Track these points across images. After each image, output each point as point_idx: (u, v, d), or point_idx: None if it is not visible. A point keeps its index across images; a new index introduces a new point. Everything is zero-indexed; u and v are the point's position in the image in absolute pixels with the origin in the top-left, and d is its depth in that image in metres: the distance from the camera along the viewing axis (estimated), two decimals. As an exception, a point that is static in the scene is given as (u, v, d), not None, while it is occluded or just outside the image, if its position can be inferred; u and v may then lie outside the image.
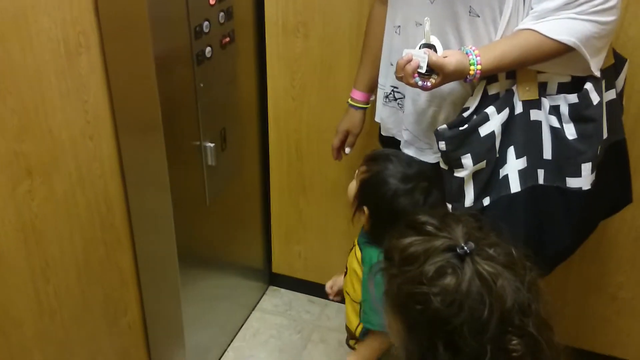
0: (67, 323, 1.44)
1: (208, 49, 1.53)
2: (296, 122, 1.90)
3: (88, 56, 1.35)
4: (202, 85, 1.54)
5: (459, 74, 1.16)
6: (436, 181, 1.27)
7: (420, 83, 1.17)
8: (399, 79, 1.20)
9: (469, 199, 1.25)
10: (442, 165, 1.26)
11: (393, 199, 1.24)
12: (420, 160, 1.34)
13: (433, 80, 1.16)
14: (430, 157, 1.36)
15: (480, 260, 0.78)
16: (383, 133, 1.49)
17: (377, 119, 1.51)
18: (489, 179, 1.24)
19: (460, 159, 1.21)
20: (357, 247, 1.36)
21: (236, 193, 1.92)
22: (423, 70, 1.15)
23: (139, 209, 1.59)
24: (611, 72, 1.28)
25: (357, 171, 1.33)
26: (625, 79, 1.34)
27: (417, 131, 1.36)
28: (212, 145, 1.63)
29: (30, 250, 1.29)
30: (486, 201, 1.26)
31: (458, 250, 0.79)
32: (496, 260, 0.79)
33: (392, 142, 1.46)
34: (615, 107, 1.30)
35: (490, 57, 1.16)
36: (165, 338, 1.79)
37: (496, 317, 0.76)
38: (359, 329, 1.38)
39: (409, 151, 1.39)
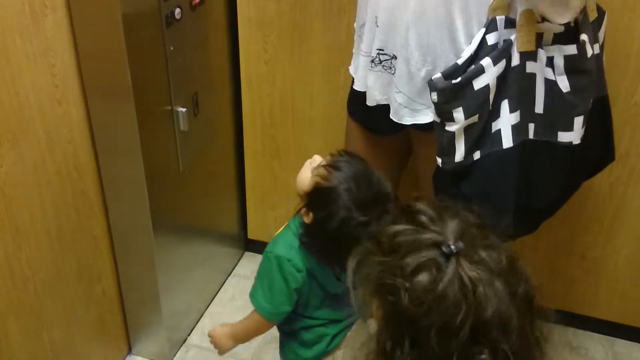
0: (41, 290, 1.43)
1: (177, 10, 1.50)
2: (269, 87, 1.88)
3: (54, 17, 1.31)
4: (172, 48, 1.52)
5: None
6: (391, 202, 1.18)
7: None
8: None
9: (459, 154, 1.23)
10: (435, 118, 1.23)
11: (341, 226, 1.13)
12: (382, 178, 1.20)
13: None
14: (427, 117, 1.33)
15: (465, 262, 0.73)
16: (369, 103, 1.46)
17: (359, 88, 1.45)
18: (480, 133, 1.22)
19: (451, 113, 1.19)
20: (285, 226, 1.29)
21: (210, 159, 1.90)
22: None
23: (110, 175, 1.57)
24: (595, 26, 1.27)
25: (313, 162, 1.21)
26: (605, 33, 1.33)
27: (411, 92, 1.33)
28: (184, 110, 1.61)
29: (0, 217, 1.27)
30: (476, 155, 1.24)
31: (444, 248, 0.73)
32: (485, 265, 0.74)
33: (373, 111, 1.45)
34: (600, 61, 1.30)
35: None
36: (141, 304, 1.79)
37: (469, 325, 0.71)
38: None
39: (402, 114, 1.36)
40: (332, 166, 1.17)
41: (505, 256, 0.75)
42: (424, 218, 0.78)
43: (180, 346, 1.92)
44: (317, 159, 1.21)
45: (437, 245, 0.74)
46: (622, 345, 1.94)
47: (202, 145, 1.81)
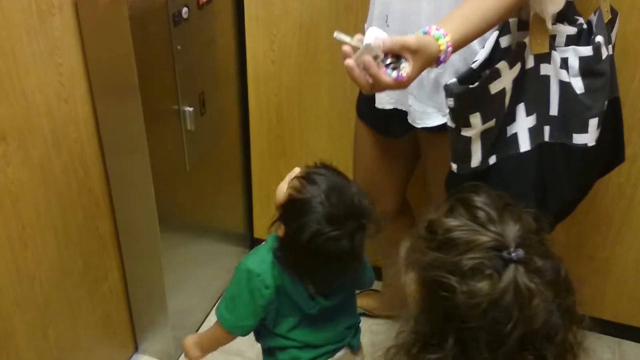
0: (47, 288, 1.43)
1: (185, 9, 1.50)
2: (276, 86, 1.88)
3: (61, 16, 1.31)
4: (179, 47, 1.52)
5: (428, 54, 0.99)
6: (367, 218, 1.13)
7: (394, 74, 0.97)
8: (368, 90, 1.00)
9: (475, 159, 1.22)
10: (450, 123, 1.21)
11: (312, 239, 1.08)
12: (359, 193, 1.14)
13: (405, 66, 0.97)
14: (437, 120, 1.32)
15: (523, 271, 0.71)
16: (377, 105, 1.45)
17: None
18: (496, 137, 1.21)
19: (468, 118, 1.16)
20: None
21: (217, 158, 1.90)
22: (388, 60, 0.96)
23: (117, 174, 1.57)
24: (609, 27, 1.26)
25: (292, 174, 1.18)
26: (616, 34, 1.32)
27: (420, 95, 1.32)
28: (190, 109, 1.61)
29: (6, 215, 1.27)
30: (492, 160, 1.23)
31: (504, 254, 0.71)
32: (541, 275, 0.72)
33: (382, 114, 1.44)
34: (612, 63, 1.30)
35: (454, 24, 1.03)
36: (147, 303, 1.79)
37: (518, 334, 0.71)
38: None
39: (413, 117, 1.35)
40: (306, 178, 1.13)
41: (558, 266, 0.75)
42: (482, 215, 0.76)
43: (186, 345, 1.92)
44: (296, 171, 1.17)
45: (497, 249, 0.72)
46: (630, 347, 1.93)
47: (209, 145, 1.81)
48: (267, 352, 1.34)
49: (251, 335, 1.96)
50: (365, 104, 1.51)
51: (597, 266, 1.86)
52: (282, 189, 1.16)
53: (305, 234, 1.08)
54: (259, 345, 1.92)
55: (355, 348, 1.34)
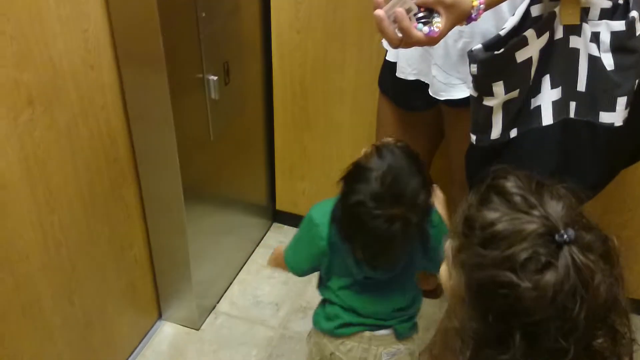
0: (73, 255, 1.45)
1: (210, -24, 1.48)
2: (301, 57, 1.86)
3: (87, -18, 1.31)
4: (204, 14, 1.50)
5: (462, 9, 1.00)
6: (414, 213, 1.12)
7: (426, 30, 0.96)
8: (396, 44, 0.98)
9: (496, 130, 1.19)
10: (472, 92, 1.18)
11: (354, 207, 1.12)
12: (418, 187, 1.14)
13: (438, 21, 0.97)
14: (462, 92, 1.30)
15: (577, 250, 0.68)
16: (398, 74, 1.42)
17: (391, 59, 1.43)
18: (519, 109, 1.17)
19: (491, 86, 1.13)
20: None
21: (240, 128, 1.90)
22: (420, 14, 0.95)
23: (142, 142, 1.57)
24: None
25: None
26: None
27: (446, 65, 1.29)
28: (215, 78, 1.60)
29: (33, 180, 1.28)
30: (513, 133, 1.20)
31: (557, 237, 0.68)
32: (593, 249, 0.70)
33: (405, 87, 1.42)
34: None
35: None
36: (172, 271, 1.80)
37: (586, 314, 0.68)
38: None
39: (437, 89, 1.33)
40: (378, 149, 1.16)
41: (603, 236, 0.72)
42: (519, 200, 0.72)
43: (209, 313, 1.95)
44: (387, 140, 1.21)
45: (547, 234, 0.68)
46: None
47: (233, 115, 1.80)
48: (322, 302, 1.37)
49: (274, 305, 1.98)
50: (387, 76, 1.48)
51: (623, 245, 1.82)
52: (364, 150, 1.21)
53: (351, 199, 1.13)
54: (281, 314, 1.95)
55: (401, 336, 1.33)
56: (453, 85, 1.31)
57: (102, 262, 1.57)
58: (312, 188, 2.13)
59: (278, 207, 2.23)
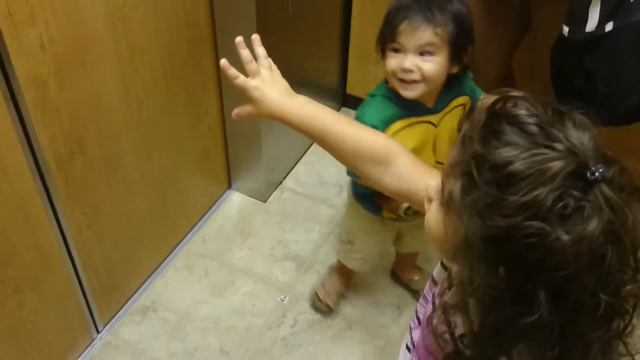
0: (153, 115, 1.50)
1: None
2: None
3: None
4: None
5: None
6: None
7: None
8: None
9: (591, 23, 1.13)
10: None
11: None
12: None
13: None
14: None
15: (609, 189, 0.58)
16: None
17: None
18: (618, 1, 1.11)
19: None
20: (454, 105, 1.26)
21: (318, 6, 1.86)
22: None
23: (222, 9, 1.57)
24: None
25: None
26: None
27: None
28: (298, -54, 1.56)
29: (118, 37, 1.31)
30: (609, 26, 1.13)
31: (589, 176, 0.57)
32: (624, 187, 0.59)
33: None
34: None
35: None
36: (243, 144, 1.85)
37: (618, 260, 0.59)
38: None
39: None
40: None
41: (627, 168, 0.61)
42: (536, 130, 0.59)
43: (276, 188, 2.01)
44: None
45: (576, 172, 0.57)
46: None
47: (312, -11, 1.77)
48: None
49: (338, 186, 2.02)
50: None
51: None
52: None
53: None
54: (345, 195, 1.98)
55: None
56: None
57: (179, 126, 1.62)
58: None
59: (348, 90, 2.22)
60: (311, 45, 1.91)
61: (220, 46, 1.64)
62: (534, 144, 0.59)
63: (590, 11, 1.12)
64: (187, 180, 1.76)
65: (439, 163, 1.29)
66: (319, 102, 2.12)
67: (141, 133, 1.49)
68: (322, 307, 1.68)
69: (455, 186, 0.63)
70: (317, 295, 1.68)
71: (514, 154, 0.58)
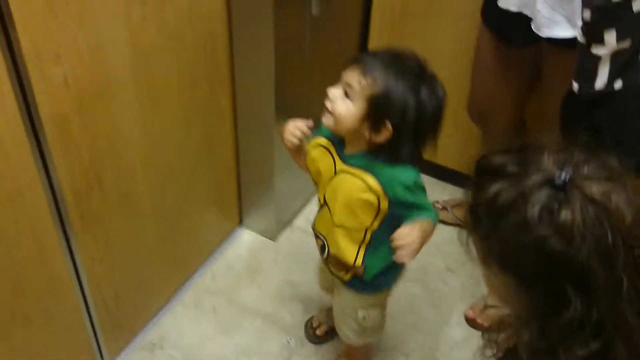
0: (169, 151, 1.53)
1: None
2: (405, -21, 1.82)
3: None
4: None
5: None
6: (421, 70, 1.15)
7: None
8: None
9: (601, 81, 1.15)
10: (580, 39, 1.14)
11: (419, 104, 1.12)
12: (411, 54, 1.17)
13: None
14: (565, 32, 1.26)
15: (583, 183, 0.69)
16: (500, 4, 1.39)
17: None
18: (628, 60, 1.13)
19: (602, 34, 1.09)
20: (361, 174, 1.19)
21: (335, 49, 1.90)
22: None
23: (242, 51, 1.61)
24: None
25: (336, 89, 1.18)
26: None
27: (552, 1, 1.25)
28: (318, -6, 1.60)
29: (140, 77, 1.34)
30: (618, 84, 1.16)
31: (556, 181, 0.68)
32: (598, 176, 0.70)
33: (507, 18, 1.38)
34: None
35: None
36: (256, 181, 1.87)
37: (620, 237, 0.68)
38: (360, 256, 1.28)
39: (540, 24, 1.29)
40: (367, 69, 1.14)
41: (602, 161, 0.72)
42: (512, 167, 0.72)
43: (286, 227, 2.02)
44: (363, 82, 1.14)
45: (548, 181, 0.69)
46: None
47: (329, 34, 1.81)
48: None
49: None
50: (491, 5, 1.44)
51: None
52: (347, 105, 1.16)
53: (411, 109, 1.11)
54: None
55: None
56: (557, 22, 1.27)
57: (194, 163, 1.65)
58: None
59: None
60: (328, 84, 1.94)
61: (239, 86, 1.67)
62: (511, 178, 0.71)
63: (599, 69, 1.14)
64: (199, 217, 1.77)
65: (325, 204, 1.29)
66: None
67: (157, 169, 1.51)
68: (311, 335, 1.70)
69: (476, 242, 0.76)
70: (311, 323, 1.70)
71: (497, 188, 0.71)
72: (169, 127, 1.49)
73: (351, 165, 1.21)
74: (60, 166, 1.22)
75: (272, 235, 1.98)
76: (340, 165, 1.23)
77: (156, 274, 1.69)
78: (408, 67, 1.13)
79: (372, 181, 1.18)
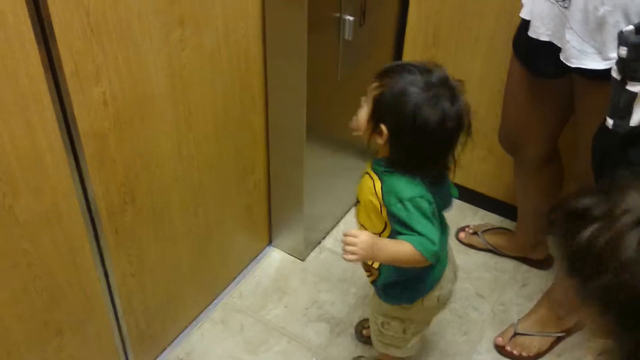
0: (202, 170, 1.56)
1: None
2: (438, 4, 1.83)
3: None
4: (348, -46, 1.52)
5: None
6: (459, 88, 1.17)
7: None
8: None
9: (636, 118, 1.13)
10: (615, 75, 1.13)
11: (416, 110, 1.12)
12: (440, 68, 1.18)
13: None
14: (595, 63, 1.25)
15: None
16: (531, 34, 1.39)
17: (525, 16, 1.38)
18: None
19: (638, 71, 1.08)
20: (374, 177, 1.24)
21: (367, 72, 1.91)
22: None
23: (275, 74, 1.64)
24: None
25: (364, 97, 1.23)
26: None
27: (582, 31, 1.24)
28: (351, 19, 1.63)
29: (176, 97, 1.38)
30: None
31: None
32: None
33: (537, 50, 1.38)
34: None
35: None
36: (286, 202, 1.89)
37: None
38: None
39: (569, 55, 1.28)
40: (381, 75, 1.20)
41: None
42: (599, 210, 0.73)
43: (315, 247, 2.03)
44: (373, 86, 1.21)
45: (638, 222, 0.70)
46: None
47: (362, 57, 1.83)
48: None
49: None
50: (521, 37, 1.44)
51: None
52: (363, 110, 1.23)
53: (408, 109, 1.13)
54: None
55: None
56: (587, 53, 1.26)
57: (226, 182, 1.68)
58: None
59: (393, 155, 2.25)
60: (359, 106, 1.96)
61: (271, 107, 1.70)
62: (602, 222, 0.71)
63: (635, 106, 1.13)
64: (229, 235, 1.80)
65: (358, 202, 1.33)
66: (362, 164, 2.16)
67: (189, 187, 1.54)
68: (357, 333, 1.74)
69: (574, 287, 0.77)
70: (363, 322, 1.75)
71: (590, 235, 0.72)
72: (203, 146, 1.53)
73: (373, 168, 1.27)
74: (96, 182, 1.26)
75: (301, 255, 1.99)
76: (368, 166, 1.29)
77: (186, 290, 1.71)
78: (422, 77, 1.15)
79: (378, 185, 1.23)
